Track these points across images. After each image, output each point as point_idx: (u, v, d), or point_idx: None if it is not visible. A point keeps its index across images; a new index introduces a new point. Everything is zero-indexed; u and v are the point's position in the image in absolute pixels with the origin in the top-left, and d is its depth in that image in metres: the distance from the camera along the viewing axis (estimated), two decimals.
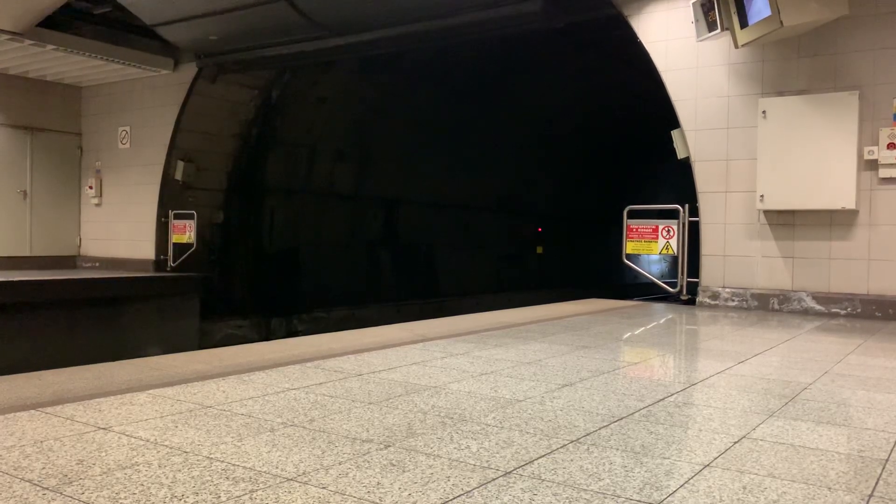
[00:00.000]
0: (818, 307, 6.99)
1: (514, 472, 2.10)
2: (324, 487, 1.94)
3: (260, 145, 12.49)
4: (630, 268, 8.81)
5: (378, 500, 1.85)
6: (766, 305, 7.24)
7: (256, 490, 1.91)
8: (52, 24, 9.89)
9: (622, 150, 19.55)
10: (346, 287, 14.05)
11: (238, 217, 12.53)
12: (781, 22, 6.14)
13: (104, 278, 10.29)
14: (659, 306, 8.01)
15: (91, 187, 12.65)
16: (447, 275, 16.40)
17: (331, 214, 13.97)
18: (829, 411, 2.96)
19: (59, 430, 2.46)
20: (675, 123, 7.75)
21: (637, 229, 7.88)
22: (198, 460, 2.16)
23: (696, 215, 7.65)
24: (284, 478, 2.02)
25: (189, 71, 11.36)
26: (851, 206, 6.74)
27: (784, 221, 7.20)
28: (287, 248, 13.33)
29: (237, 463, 2.14)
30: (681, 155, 7.75)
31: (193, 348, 8.45)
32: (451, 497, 1.89)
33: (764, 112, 7.13)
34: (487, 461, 2.19)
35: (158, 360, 3.96)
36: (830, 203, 6.84)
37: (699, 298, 7.62)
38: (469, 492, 1.93)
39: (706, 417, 2.82)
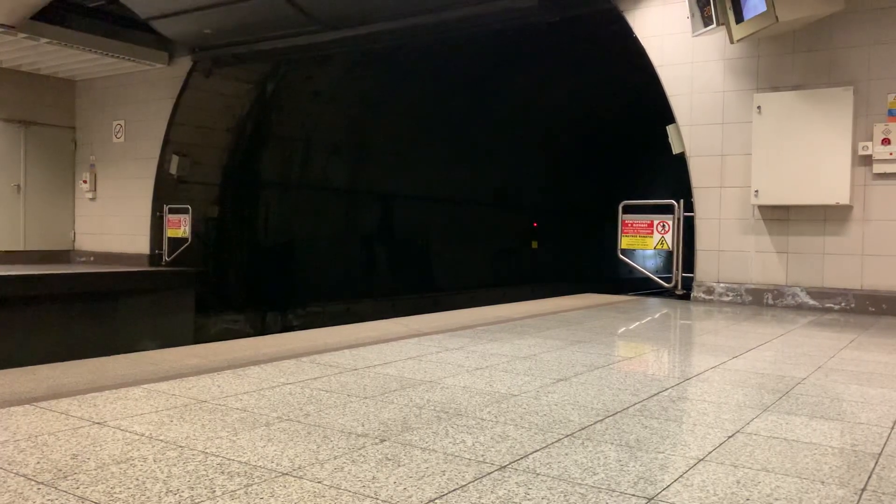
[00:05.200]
0: (812, 302, 7.01)
1: (509, 466, 2.11)
2: (319, 482, 1.95)
3: (255, 139, 12.46)
4: (625, 263, 8.82)
5: (373, 495, 1.86)
6: (760, 300, 7.26)
7: (252, 484, 1.92)
8: (46, 17, 9.84)
9: (617, 144, 19.55)
10: (341, 281, 14.04)
11: (233, 211, 12.51)
12: (777, 17, 6.14)
13: (99, 273, 10.26)
14: (654, 301, 8.03)
15: (85, 181, 12.61)
16: (442, 269, 16.40)
17: (326, 209, 13.95)
18: (822, 406, 2.97)
19: (53, 425, 2.46)
20: (671, 118, 7.76)
21: (632, 224, 7.89)
22: (193, 455, 2.16)
23: (691, 210, 7.66)
24: (280, 472, 2.02)
25: (184, 65, 11.32)
26: (845, 201, 6.76)
27: (778, 216, 7.21)
28: (282, 242, 13.32)
29: (232, 457, 2.14)
30: (676, 150, 7.77)
31: (188, 343, 8.43)
32: (446, 491, 1.89)
33: (759, 107, 7.14)
34: (482, 455, 2.20)
35: (153, 354, 3.95)
36: (825, 198, 6.86)
37: (694, 293, 7.64)
38: (464, 486, 1.93)
39: (700, 412, 2.83)
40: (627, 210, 7.97)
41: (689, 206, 7.70)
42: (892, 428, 2.64)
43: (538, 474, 2.04)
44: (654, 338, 5.18)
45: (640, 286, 16.90)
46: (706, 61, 7.51)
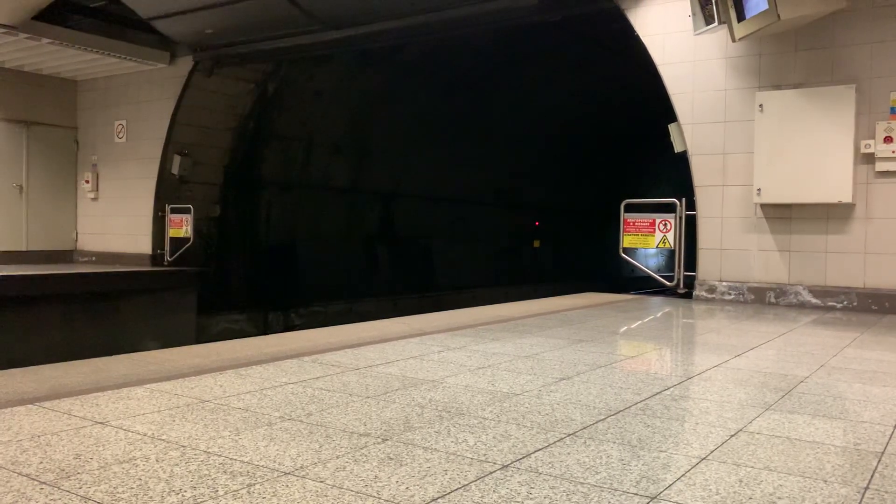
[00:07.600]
0: (814, 301, 7.00)
1: (512, 465, 2.10)
2: (321, 481, 1.95)
3: (256, 139, 12.46)
4: (627, 262, 8.82)
5: (375, 494, 1.86)
6: (762, 299, 7.25)
7: (254, 484, 1.92)
8: (48, 17, 9.85)
9: (619, 143, 19.54)
10: (343, 281, 14.04)
11: (235, 211, 12.51)
12: (778, 15, 6.13)
13: (101, 273, 10.27)
14: (656, 300, 8.03)
15: (87, 181, 12.62)
16: (444, 269, 16.40)
17: (328, 208, 13.95)
18: (825, 404, 2.96)
19: (56, 425, 2.46)
20: (673, 117, 7.75)
21: (634, 223, 7.88)
22: (195, 454, 2.16)
23: (693, 209, 7.65)
24: (282, 472, 2.02)
25: (185, 64, 11.33)
26: (848, 199, 6.75)
27: (781, 215, 7.20)
28: (284, 242, 13.32)
29: (235, 457, 2.14)
30: (678, 149, 7.76)
31: (191, 343, 8.44)
32: (448, 490, 1.89)
33: (761, 106, 7.13)
34: (485, 455, 2.20)
35: (155, 354, 3.96)
36: (827, 197, 6.85)
37: (696, 292, 7.63)
38: (466, 485, 1.93)
39: (703, 411, 2.83)
40: (629, 209, 7.96)
41: (691, 205, 7.69)
42: (895, 426, 2.63)
43: (540, 473, 2.04)
44: (656, 336, 5.18)
45: (642, 285, 16.89)
46: (708, 60, 7.50)
